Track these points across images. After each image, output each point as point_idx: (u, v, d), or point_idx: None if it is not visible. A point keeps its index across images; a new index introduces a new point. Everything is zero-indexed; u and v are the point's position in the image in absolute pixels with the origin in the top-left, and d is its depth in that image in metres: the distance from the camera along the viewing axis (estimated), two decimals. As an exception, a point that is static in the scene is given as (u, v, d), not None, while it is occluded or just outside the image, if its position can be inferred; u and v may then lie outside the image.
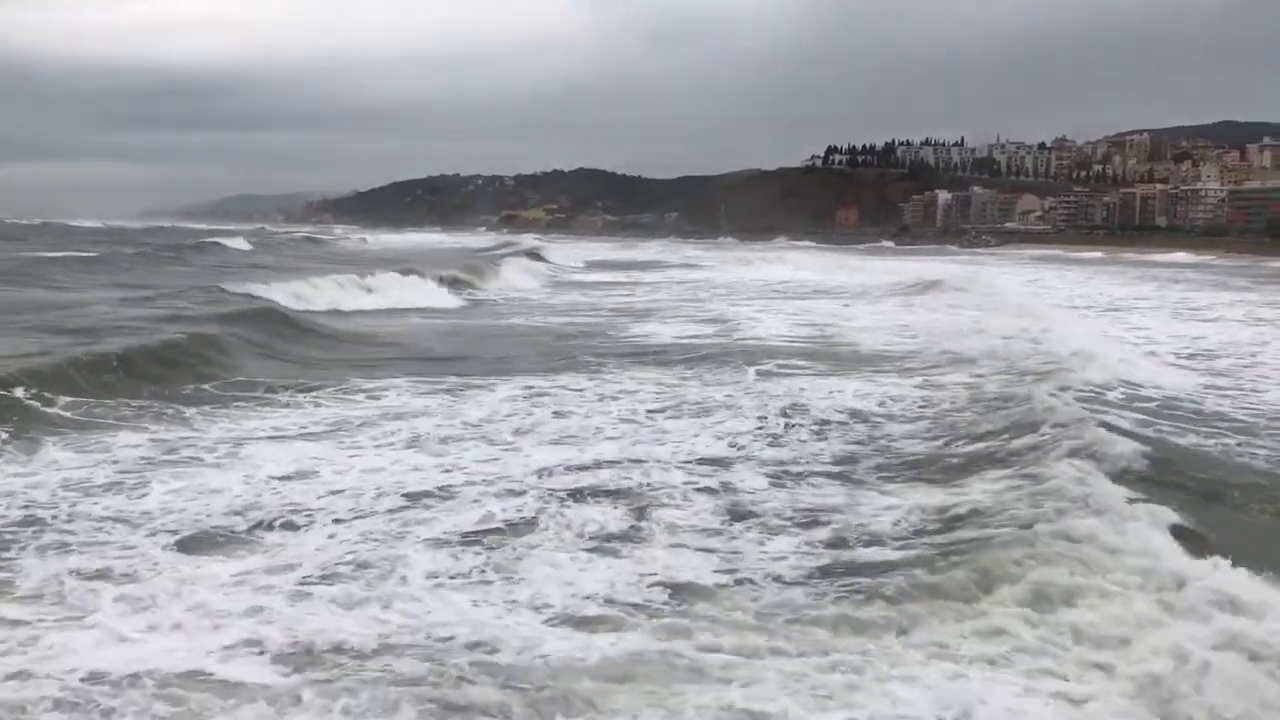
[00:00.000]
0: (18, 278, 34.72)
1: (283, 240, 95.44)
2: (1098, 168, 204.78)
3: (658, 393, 15.07)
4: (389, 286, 32.44)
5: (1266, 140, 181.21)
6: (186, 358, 16.27)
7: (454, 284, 36.04)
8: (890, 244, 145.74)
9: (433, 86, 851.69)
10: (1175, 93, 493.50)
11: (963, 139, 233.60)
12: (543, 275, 47.77)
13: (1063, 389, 14.07)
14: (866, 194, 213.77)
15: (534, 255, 60.50)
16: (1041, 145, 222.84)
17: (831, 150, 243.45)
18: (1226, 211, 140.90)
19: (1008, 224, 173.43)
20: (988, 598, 6.64)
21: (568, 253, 75.35)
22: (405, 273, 36.45)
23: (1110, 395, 14.38)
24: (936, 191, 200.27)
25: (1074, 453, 10.14)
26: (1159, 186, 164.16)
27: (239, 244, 72.04)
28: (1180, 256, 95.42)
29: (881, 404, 14.29)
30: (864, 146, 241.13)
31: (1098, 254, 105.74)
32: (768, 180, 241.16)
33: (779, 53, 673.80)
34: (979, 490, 9.43)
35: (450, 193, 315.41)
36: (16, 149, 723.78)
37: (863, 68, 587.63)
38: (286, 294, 27.89)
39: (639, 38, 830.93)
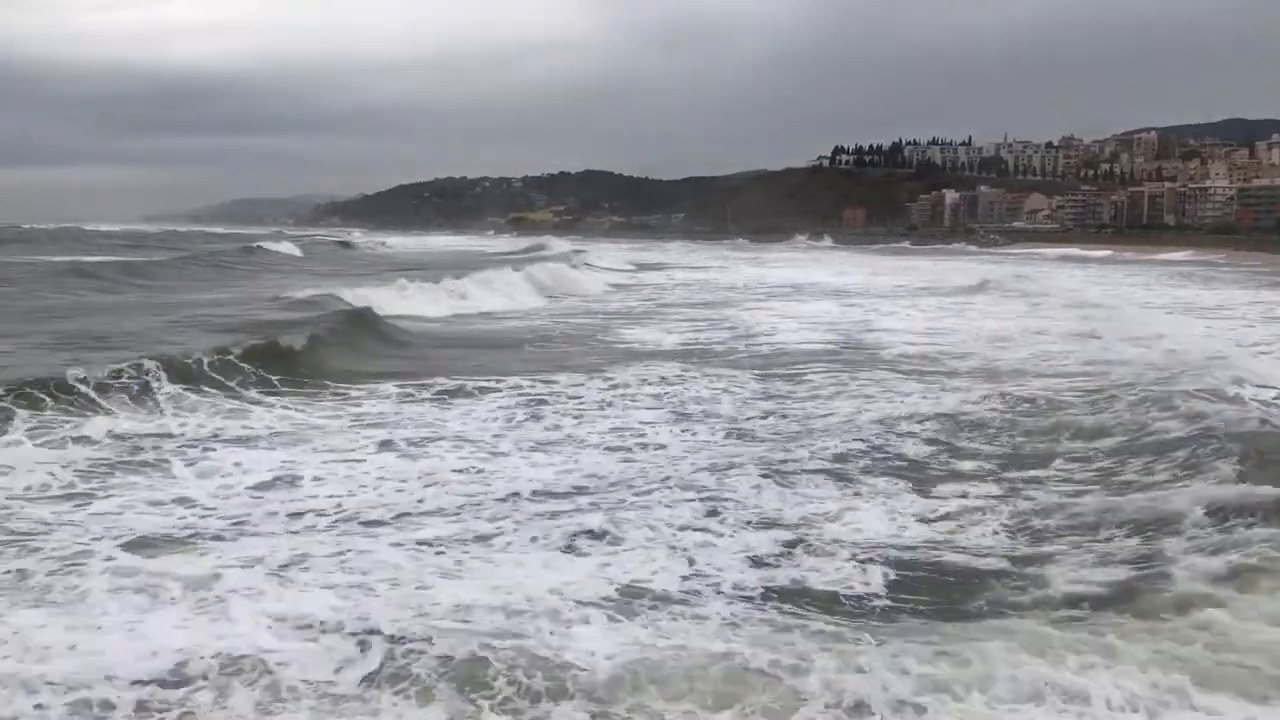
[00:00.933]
0: (111, 284, 35.98)
1: (315, 244, 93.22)
2: (1105, 166, 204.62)
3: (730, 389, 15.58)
4: (475, 291, 32.88)
5: (1275, 138, 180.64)
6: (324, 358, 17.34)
7: (531, 288, 36.37)
8: (908, 244, 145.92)
9: (438, 89, 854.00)
10: (1183, 90, 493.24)
11: (970, 138, 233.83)
12: (603, 278, 47.29)
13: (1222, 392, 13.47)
14: (873, 194, 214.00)
15: (578, 258, 59.29)
16: (1049, 144, 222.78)
17: (838, 150, 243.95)
18: (1236, 209, 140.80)
19: (1015, 223, 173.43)
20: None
21: (608, 255, 73.54)
22: (484, 276, 37.09)
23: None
24: (944, 191, 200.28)
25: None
26: (1167, 185, 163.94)
27: (288, 249, 72.16)
28: (1188, 255, 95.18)
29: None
30: (871, 146, 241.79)
31: (1110, 252, 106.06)
32: (774, 181, 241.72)
33: (786, 53, 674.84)
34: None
35: (458, 195, 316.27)
36: (20, 153, 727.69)
37: (869, 68, 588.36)
38: (387, 300, 27.87)
39: (645, 39, 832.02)
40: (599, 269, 55.03)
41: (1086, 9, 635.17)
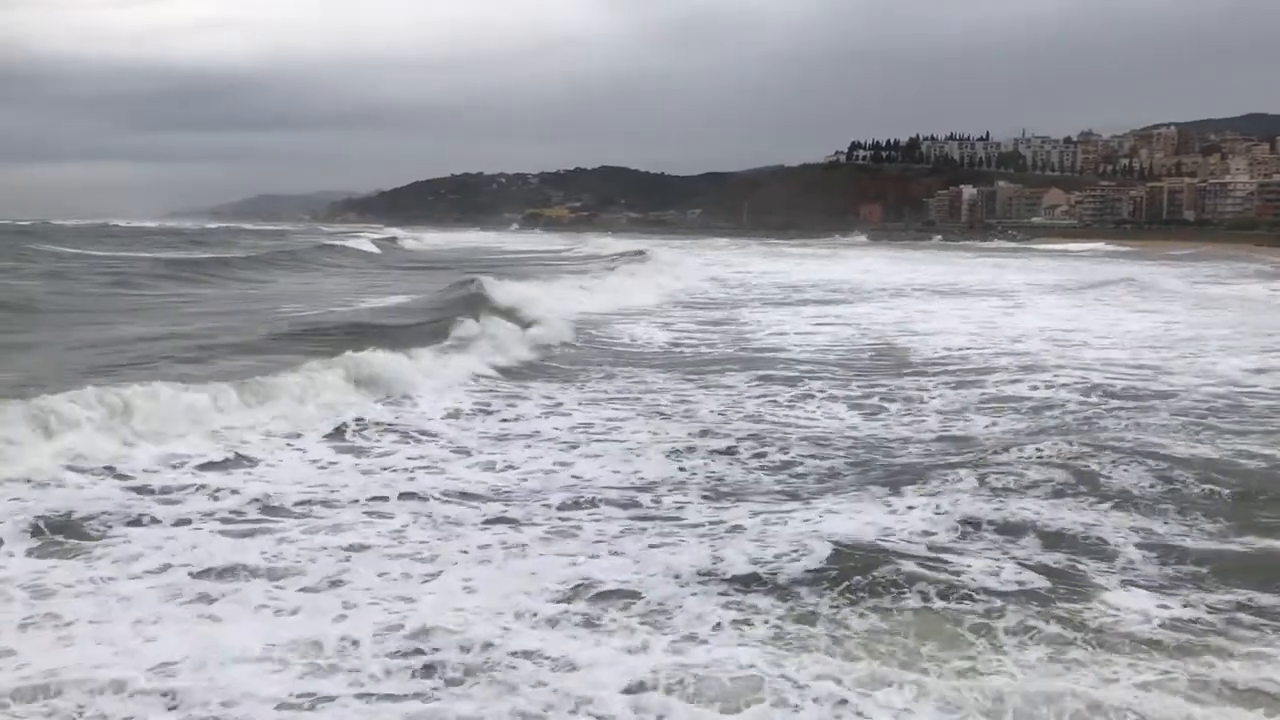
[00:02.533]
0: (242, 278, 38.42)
1: (369, 240, 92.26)
2: (1124, 161, 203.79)
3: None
4: (604, 288, 33.92)
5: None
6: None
7: (661, 283, 37.32)
8: (939, 239, 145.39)
9: (454, 85, 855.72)
10: (1203, 85, 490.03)
11: (988, 133, 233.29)
12: (705, 275, 46.91)
13: None
14: (890, 189, 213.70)
15: (643, 257, 57.77)
16: (1067, 139, 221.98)
17: (855, 146, 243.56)
18: (1256, 205, 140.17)
19: (1034, 219, 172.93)
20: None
21: (671, 253, 71.74)
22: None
23: None
24: (961, 186, 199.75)
25: None
26: (1187, 180, 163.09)
27: (367, 247, 73.61)
28: (1199, 250, 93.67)
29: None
30: (888, 142, 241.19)
31: (1130, 248, 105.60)
32: (790, 176, 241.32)
33: (803, 49, 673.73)
34: None
35: (474, 191, 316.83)
36: (40, 149, 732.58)
37: (887, 63, 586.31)
38: (547, 296, 28.50)
39: (661, 35, 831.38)
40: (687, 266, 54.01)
41: (1105, 3, 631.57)
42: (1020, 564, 7.57)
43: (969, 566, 7.50)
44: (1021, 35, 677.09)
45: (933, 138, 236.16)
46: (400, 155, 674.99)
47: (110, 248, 65.49)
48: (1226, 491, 9.46)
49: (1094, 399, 14.53)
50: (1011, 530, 8.35)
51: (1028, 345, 21.08)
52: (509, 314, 22.56)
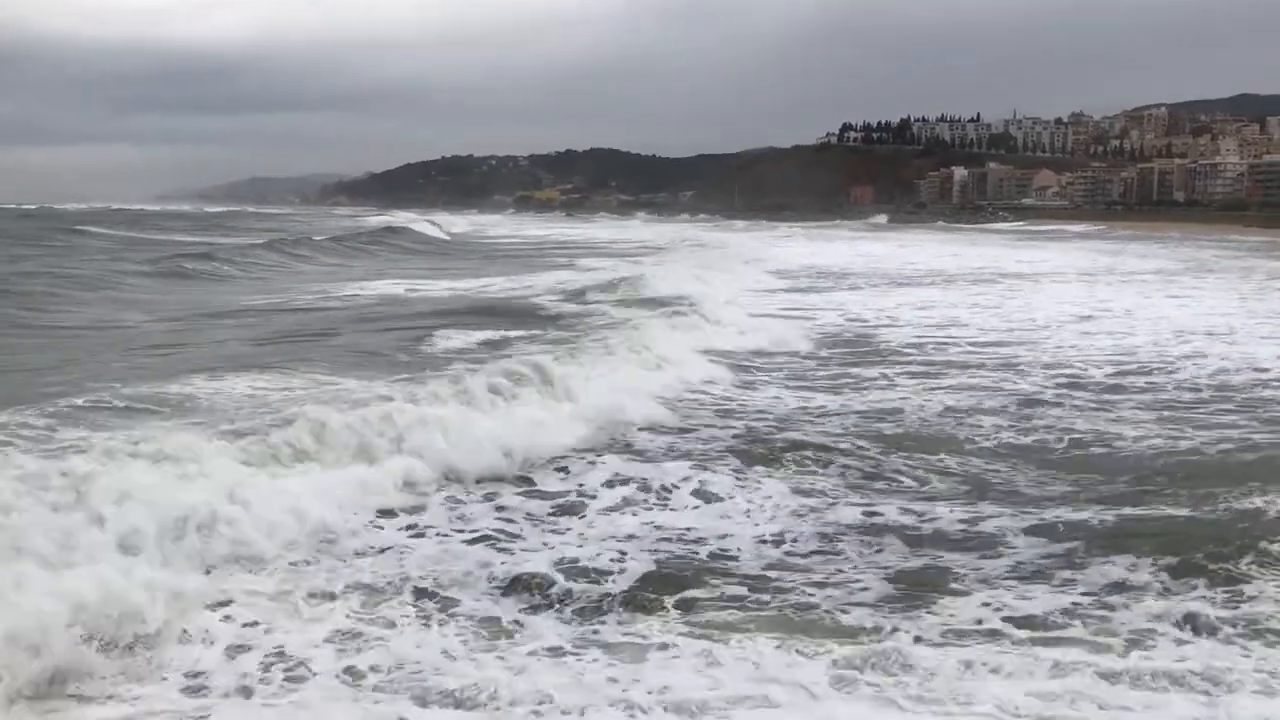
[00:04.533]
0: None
1: (414, 224, 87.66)
2: (1115, 142, 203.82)
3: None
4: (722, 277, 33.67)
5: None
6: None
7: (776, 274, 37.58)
8: (943, 223, 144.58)
9: (444, 67, 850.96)
10: (1193, 66, 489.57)
11: (978, 114, 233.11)
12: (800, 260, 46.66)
13: None
14: (882, 171, 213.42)
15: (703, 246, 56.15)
16: (1058, 120, 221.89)
17: (846, 127, 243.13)
18: (1247, 186, 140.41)
19: (1025, 200, 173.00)
20: None
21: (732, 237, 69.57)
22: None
23: None
24: (953, 168, 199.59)
25: None
26: (1177, 161, 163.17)
27: (433, 231, 73.14)
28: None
29: None
30: (879, 123, 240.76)
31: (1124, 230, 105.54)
32: (782, 158, 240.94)
33: (794, 30, 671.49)
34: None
35: (465, 173, 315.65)
36: (30, 133, 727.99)
37: (878, 45, 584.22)
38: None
39: (653, 16, 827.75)
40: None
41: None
42: (885, 567, 7.43)
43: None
44: (1012, 16, 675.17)
45: (924, 119, 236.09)
46: (390, 138, 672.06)
47: (165, 231, 65.30)
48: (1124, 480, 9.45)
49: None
50: (875, 531, 8.13)
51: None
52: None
